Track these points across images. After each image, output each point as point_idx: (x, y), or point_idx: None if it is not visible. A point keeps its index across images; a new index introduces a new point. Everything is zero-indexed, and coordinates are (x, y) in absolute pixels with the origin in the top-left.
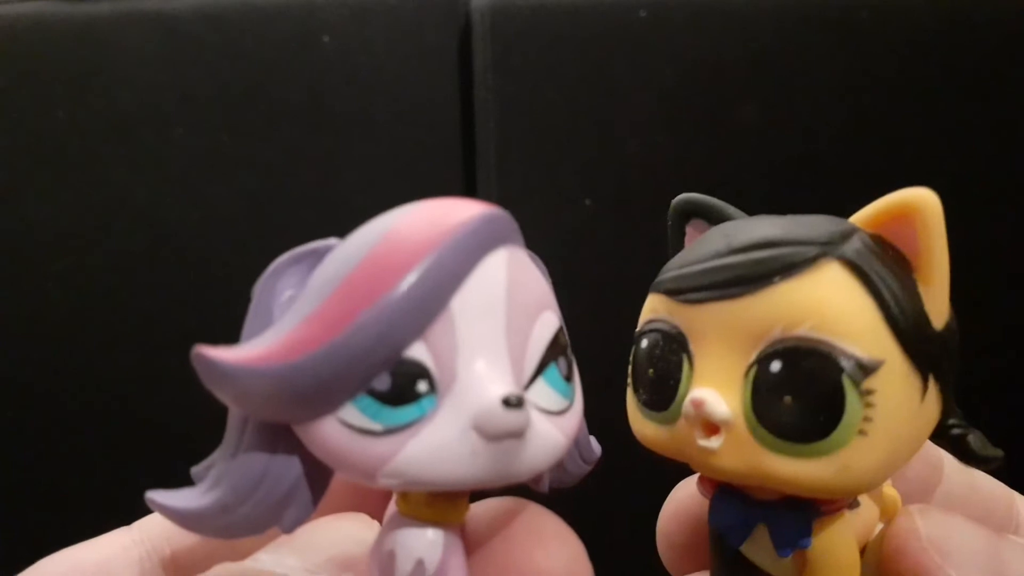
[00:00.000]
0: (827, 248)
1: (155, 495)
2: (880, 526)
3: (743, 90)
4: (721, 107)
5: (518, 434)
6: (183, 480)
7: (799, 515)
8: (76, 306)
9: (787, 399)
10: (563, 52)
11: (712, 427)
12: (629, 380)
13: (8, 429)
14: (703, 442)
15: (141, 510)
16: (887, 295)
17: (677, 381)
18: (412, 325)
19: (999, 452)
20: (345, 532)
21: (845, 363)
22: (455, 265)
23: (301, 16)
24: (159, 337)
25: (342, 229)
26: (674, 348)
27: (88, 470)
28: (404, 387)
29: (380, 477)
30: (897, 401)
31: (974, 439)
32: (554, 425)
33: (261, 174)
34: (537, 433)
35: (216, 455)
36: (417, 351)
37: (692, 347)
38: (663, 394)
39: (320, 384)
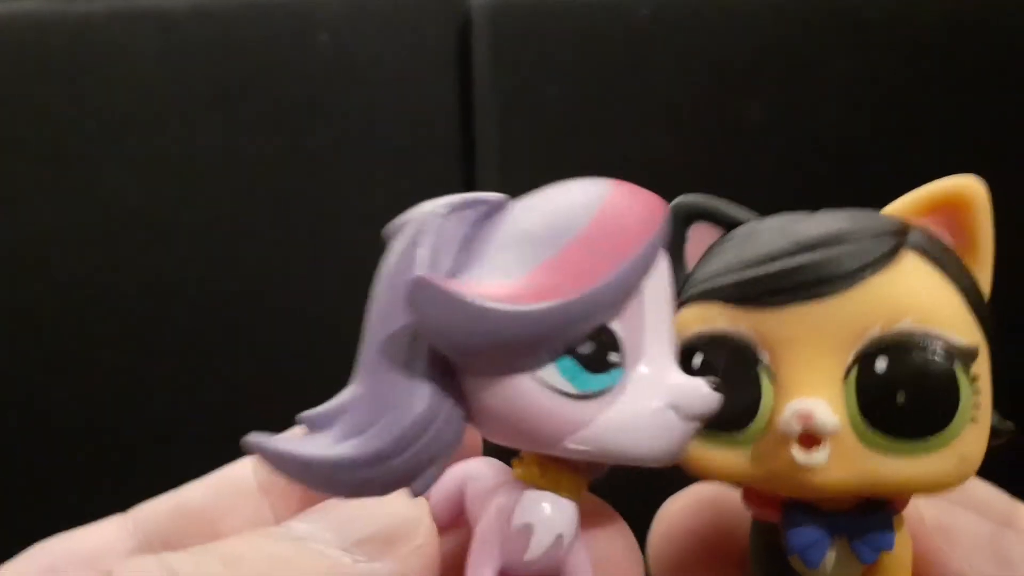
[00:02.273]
0: (900, 239)
1: (264, 440)
2: None
3: (746, 89)
4: (724, 106)
5: (710, 414)
6: (181, 478)
7: (883, 517)
8: (72, 304)
9: (900, 396)
10: (564, 50)
11: (812, 440)
12: None
13: (4, 427)
14: (804, 458)
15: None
16: (963, 281)
17: (755, 396)
18: (620, 299)
19: (1011, 424)
20: (388, 506)
21: (954, 352)
22: (654, 254)
23: (299, 14)
24: (156, 335)
25: (340, 228)
26: (745, 359)
27: (85, 469)
28: (602, 355)
29: (569, 443)
30: (989, 383)
31: (993, 416)
32: None
33: (259, 172)
34: None
35: (347, 399)
36: (615, 325)
37: (767, 356)
38: (735, 413)
39: (556, 331)
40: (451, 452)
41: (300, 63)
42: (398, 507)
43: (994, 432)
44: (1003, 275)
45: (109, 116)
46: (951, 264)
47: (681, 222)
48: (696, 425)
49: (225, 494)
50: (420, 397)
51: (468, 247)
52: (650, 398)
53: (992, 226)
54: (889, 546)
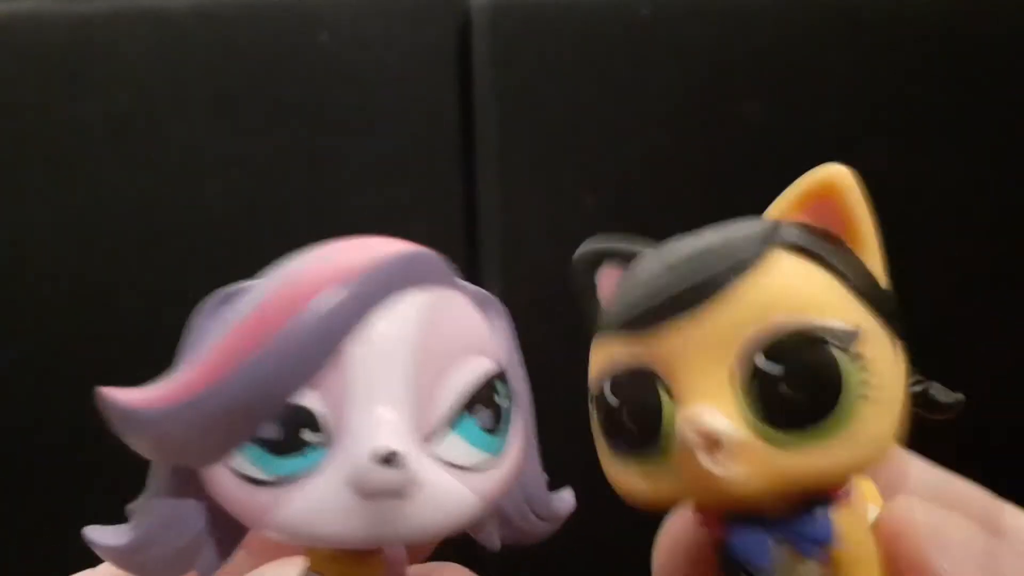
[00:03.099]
0: (767, 239)
1: (89, 530)
2: (875, 510)
3: (746, 88)
4: (724, 105)
5: (395, 492)
6: None
7: (818, 513)
8: (71, 304)
9: (785, 388)
10: (564, 49)
11: (715, 446)
12: (601, 440)
13: (2, 427)
14: (710, 465)
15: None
16: (839, 266)
17: (657, 412)
18: (299, 370)
19: (960, 396)
20: None
21: (828, 335)
22: (349, 308)
23: (299, 13)
24: (155, 335)
25: (339, 229)
26: (644, 382)
27: (84, 468)
28: (291, 436)
29: (268, 530)
30: (885, 360)
31: (935, 389)
32: (464, 482)
33: (258, 173)
34: (434, 490)
35: (143, 495)
36: (307, 398)
37: (664, 375)
38: (646, 433)
39: (201, 429)
40: (223, 540)
41: (300, 63)
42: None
43: (947, 408)
44: (1006, 272)
45: (109, 116)
46: (827, 252)
47: (588, 269)
48: (390, 501)
49: None
50: (160, 495)
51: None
52: (334, 478)
53: (866, 207)
54: (826, 537)
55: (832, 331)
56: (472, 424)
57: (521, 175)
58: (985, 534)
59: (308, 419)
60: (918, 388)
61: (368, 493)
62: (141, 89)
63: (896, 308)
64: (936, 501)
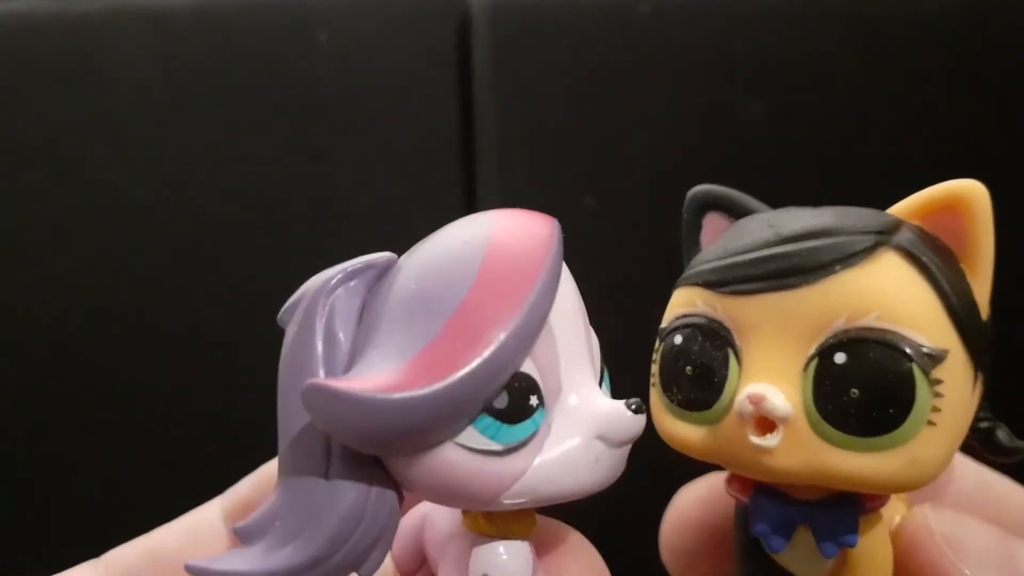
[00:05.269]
0: (883, 237)
1: (204, 565)
2: (897, 519)
3: (747, 86)
4: (725, 104)
5: (637, 437)
6: (177, 479)
7: (846, 512)
8: (68, 304)
9: (854, 392)
10: (564, 48)
11: (767, 424)
12: (655, 380)
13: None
14: (758, 441)
15: (124, 512)
16: (945, 284)
17: (723, 378)
18: (533, 341)
19: (1022, 444)
20: None
21: (915, 353)
22: (555, 280)
23: (298, 12)
24: (155, 335)
25: (339, 228)
26: (717, 343)
27: (79, 469)
28: (520, 403)
29: (504, 498)
30: (960, 391)
31: (1001, 432)
32: None
33: (257, 172)
34: None
35: (275, 505)
36: (527, 366)
37: (739, 341)
38: (705, 392)
39: (460, 406)
40: (391, 532)
41: (300, 63)
42: None
43: (1008, 452)
44: (1004, 275)
45: (108, 116)
46: (937, 267)
47: (697, 211)
48: (626, 449)
49: (196, 539)
50: (343, 494)
51: (364, 320)
52: (577, 433)
53: (991, 232)
54: (851, 543)
55: (918, 348)
56: (607, 375)
57: (521, 175)
58: (1005, 536)
59: (532, 385)
60: (984, 425)
61: (622, 442)
62: (141, 89)
63: (989, 341)
64: (976, 499)
